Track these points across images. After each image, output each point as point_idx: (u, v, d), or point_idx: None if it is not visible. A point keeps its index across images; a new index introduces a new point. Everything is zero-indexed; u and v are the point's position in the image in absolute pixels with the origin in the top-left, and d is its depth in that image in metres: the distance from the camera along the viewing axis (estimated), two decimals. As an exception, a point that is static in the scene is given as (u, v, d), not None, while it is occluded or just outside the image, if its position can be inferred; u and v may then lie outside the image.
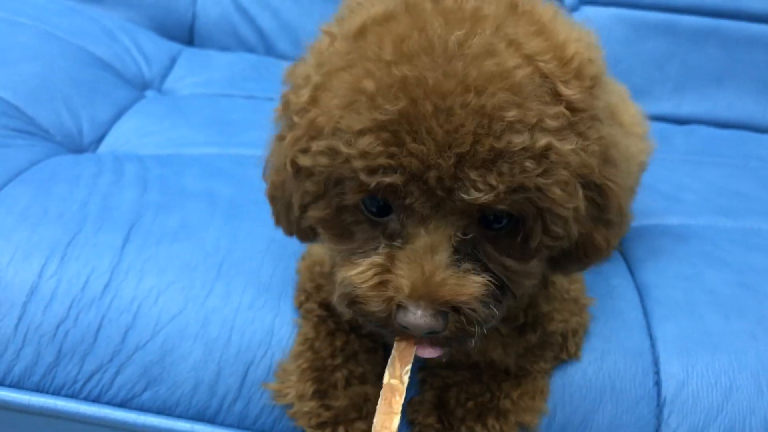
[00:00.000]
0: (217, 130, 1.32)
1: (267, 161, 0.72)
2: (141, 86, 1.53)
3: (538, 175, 0.57)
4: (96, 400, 0.88)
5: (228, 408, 0.88)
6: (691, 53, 1.68)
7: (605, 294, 0.99)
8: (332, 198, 0.63)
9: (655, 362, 0.91)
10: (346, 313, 0.66)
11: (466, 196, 0.57)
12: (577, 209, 0.61)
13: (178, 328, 0.89)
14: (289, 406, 0.84)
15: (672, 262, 1.08)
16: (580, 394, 0.88)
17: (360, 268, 0.62)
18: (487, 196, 0.56)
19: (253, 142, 1.27)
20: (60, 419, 0.88)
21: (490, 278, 0.61)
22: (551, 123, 0.57)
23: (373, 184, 0.58)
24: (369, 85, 0.57)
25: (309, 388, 0.82)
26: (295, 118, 0.63)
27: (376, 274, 0.61)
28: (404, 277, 0.59)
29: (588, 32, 0.67)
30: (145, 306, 0.90)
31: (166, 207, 1.01)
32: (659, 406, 0.88)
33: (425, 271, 0.59)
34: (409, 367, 0.64)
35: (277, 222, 0.75)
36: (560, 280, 0.85)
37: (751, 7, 1.65)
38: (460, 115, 0.55)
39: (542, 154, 0.57)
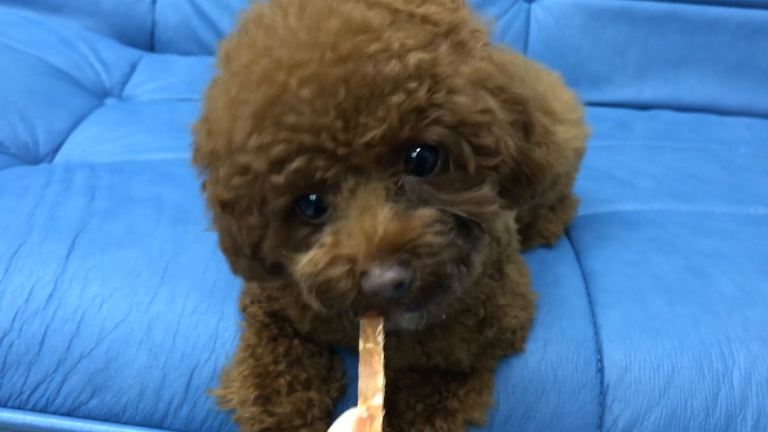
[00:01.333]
0: (173, 134, 1.32)
1: (208, 213, 0.72)
2: (100, 94, 1.53)
3: (429, 92, 0.57)
4: (43, 410, 0.89)
5: (174, 412, 0.89)
6: (651, 39, 1.68)
7: (551, 283, 0.99)
8: (273, 219, 0.62)
9: (598, 350, 0.91)
10: (323, 309, 0.64)
11: (363, 139, 0.56)
12: (491, 112, 0.60)
13: (122, 335, 0.90)
14: (233, 411, 0.84)
15: (620, 249, 1.08)
16: (522, 385, 0.89)
17: (309, 256, 0.61)
18: (381, 129, 0.56)
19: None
20: (7, 431, 0.89)
21: (438, 212, 0.59)
22: (414, 41, 0.57)
23: (283, 180, 0.57)
24: (238, 91, 0.58)
25: (251, 394, 0.82)
26: (203, 162, 0.65)
27: (325, 254, 0.59)
28: (352, 245, 0.58)
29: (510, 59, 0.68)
30: (89, 314, 0.90)
31: (112, 214, 1.02)
32: (602, 393, 0.89)
33: (368, 230, 0.57)
34: (380, 327, 0.62)
35: (235, 271, 0.74)
36: (513, 273, 0.85)
37: (709, -11, 1.66)
38: (324, 74, 0.55)
39: (421, 72, 0.57)
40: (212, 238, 0.98)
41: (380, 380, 0.61)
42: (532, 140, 0.66)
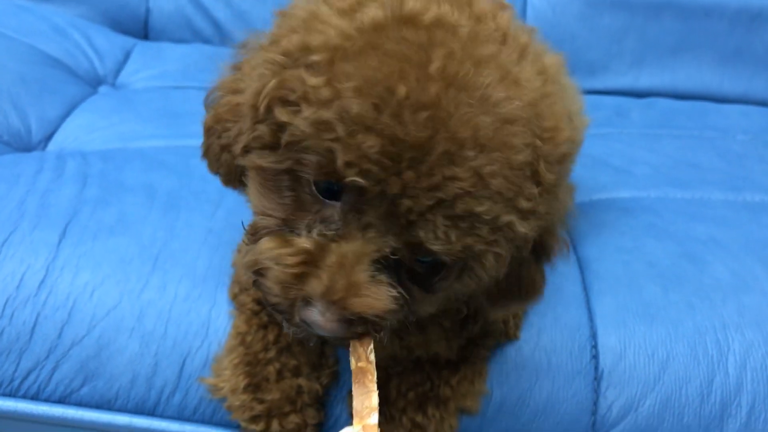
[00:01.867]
0: (166, 122, 1.31)
1: (215, 91, 0.71)
2: (94, 82, 1.52)
3: (488, 243, 0.57)
4: (34, 397, 0.88)
5: (166, 400, 0.88)
6: (648, 26, 1.67)
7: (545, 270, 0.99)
8: (286, 157, 0.58)
9: (593, 336, 0.91)
10: (247, 279, 0.64)
11: (422, 235, 0.55)
12: (497, 270, 0.61)
13: (114, 322, 0.89)
14: (225, 399, 0.84)
15: (614, 236, 1.08)
16: (516, 373, 0.88)
17: (289, 249, 0.59)
18: (440, 247, 0.56)
19: (200, 133, 1.27)
20: (-1, 418, 0.89)
21: (401, 293, 0.60)
22: (524, 203, 0.56)
23: (347, 178, 0.54)
24: (401, 90, 0.53)
25: (241, 382, 0.82)
26: (272, 49, 0.60)
27: (301, 263, 0.58)
28: (325, 278, 0.57)
29: (579, 97, 0.66)
30: (81, 301, 0.90)
31: (103, 202, 1.01)
32: (596, 379, 0.89)
33: (348, 279, 0.57)
34: (371, 346, 0.63)
35: (204, 155, 0.72)
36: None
37: (706, -23, 1.65)
38: (457, 167, 0.53)
39: (500, 228, 0.56)
40: (203, 226, 0.99)
41: (375, 399, 0.62)
42: (541, 263, 0.68)
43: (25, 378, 0.88)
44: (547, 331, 0.91)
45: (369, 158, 0.53)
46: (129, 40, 1.68)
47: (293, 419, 0.81)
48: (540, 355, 0.89)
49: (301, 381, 0.83)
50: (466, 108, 0.53)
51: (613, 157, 1.35)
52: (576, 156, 0.64)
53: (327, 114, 0.54)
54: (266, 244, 0.60)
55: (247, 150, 0.62)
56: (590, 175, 1.27)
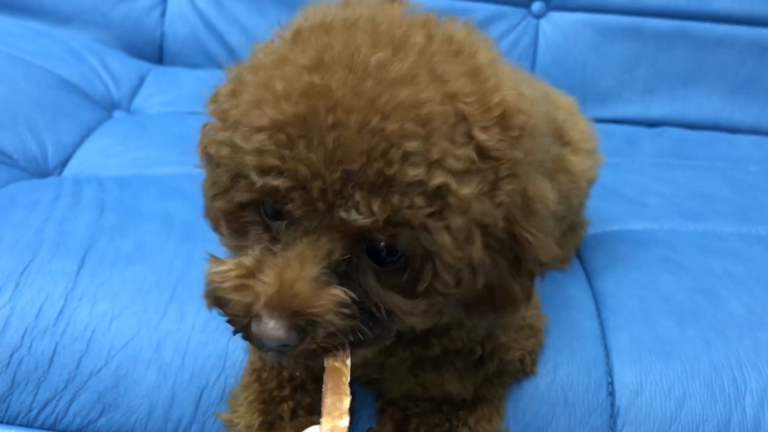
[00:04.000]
0: (181, 148, 1.32)
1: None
2: (109, 106, 1.53)
3: (427, 215, 0.55)
4: (51, 428, 0.89)
5: (183, 432, 0.89)
6: (659, 55, 1.68)
7: (561, 304, 0.99)
8: (234, 193, 0.61)
9: (609, 372, 0.91)
10: (211, 309, 0.64)
11: (344, 215, 0.55)
12: (471, 259, 0.59)
13: (131, 353, 0.89)
14: None
15: (630, 269, 1.08)
16: (532, 409, 0.88)
17: (224, 267, 0.61)
18: (365, 220, 0.55)
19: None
20: (15, 448, 0.89)
21: (355, 297, 0.59)
22: (454, 163, 0.55)
23: (259, 184, 0.57)
24: (278, 85, 0.57)
25: (256, 420, 0.81)
26: (211, 107, 0.65)
27: (237, 276, 0.60)
28: (264, 284, 0.58)
29: (530, 85, 0.66)
30: (99, 332, 0.90)
31: (121, 230, 1.02)
32: (613, 416, 0.89)
33: (285, 281, 0.57)
34: (348, 351, 0.62)
35: (206, 215, 0.74)
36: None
37: (717, 8, 1.66)
38: (357, 133, 0.54)
39: (436, 193, 0.55)
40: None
41: (346, 402, 0.61)
42: (519, 274, 0.64)
43: (43, 408, 0.88)
44: (564, 367, 0.91)
45: (266, 154, 0.56)
46: (144, 65, 1.69)
47: None
48: (556, 391, 0.89)
49: (315, 419, 0.82)
50: (345, 80, 0.55)
51: (626, 188, 1.36)
52: (540, 133, 0.63)
53: (233, 134, 0.58)
54: (210, 266, 0.63)
55: (213, 198, 0.65)
56: (603, 205, 1.28)
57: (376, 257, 0.59)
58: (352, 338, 0.60)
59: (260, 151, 0.56)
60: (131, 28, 1.72)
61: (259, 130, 0.56)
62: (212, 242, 1.00)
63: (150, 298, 0.93)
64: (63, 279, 0.94)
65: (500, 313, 0.68)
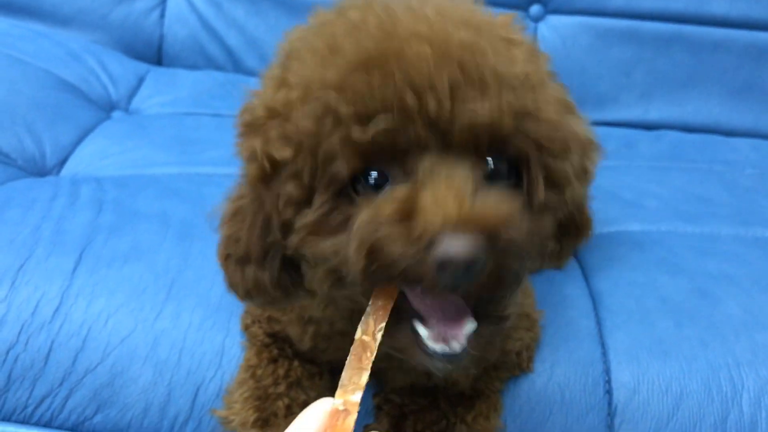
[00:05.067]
0: (180, 149, 1.32)
1: (222, 213, 0.68)
2: (107, 107, 1.53)
3: (531, 103, 0.55)
4: (47, 424, 0.88)
5: (180, 429, 0.88)
6: (657, 59, 1.69)
7: (558, 303, 0.99)
8: (323, 189, 0.56)
9: (606, 371, 0.91)
10: (360, 273, 0.54)
11: (468, 119, 0.52)
12: (574, 141, 0.59)
13: (127, 351, 0.89)
14: None
15: (627, 270, 1.08)
16: (529, 407, 0.88)
17: (373, 206, 0.54)
18: (491, 116, 0.53)
19: (213, 160, 1.28)
20: (11, 445, 0.89)
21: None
22: (523, 57, 0.57)
23: (368, 136, 0.52)
24: (343, 37, 0.55)
25: (251, 416, 0.81)
26: (246, 118, 0.61)
27: (397, 203, 0.52)
28: (433, 203, 0.51)
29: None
30: (95, 329, 0.90)
31: (118, 229, 1.02)
32: (610, 415, 0.88)
33: (457, 194, 0.51)
34: (383, 324, 0.58)
35: (232, 283, 0.69)
36: (518, 295, 0.84)
37: (715, 11, 1.66)
38: (447, 35, 0.53)
39: (530, 82, 0.56)
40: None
41: (364, 378, 0.57)
42: (586, 190, 0.65)
43: (39, 405, 0.88)
44: (561, 366, 0.90)
45: (365, 94, 0.52)
46: (142, 66, 1.70)
47: None
48: (553, 389, 0.89)
49: None
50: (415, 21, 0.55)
51: (623, 190, 1.36)
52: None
53: (311, 105, 0.54)
54: (359, 220, 0.54)
55: (286, 227, 0.59)
56: (600, 207, 1.27)
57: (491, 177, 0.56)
58: (528, 260, 0.56)
59: (357, 94, 0.52)
60: (130, 29, 1.72)
61: (348, 73, 0.53)
62: (209, 242, 1.01)
63: (146, 296, 0.93)
64: (59, 276, 0.93)
65: (576, 240, 0.68)
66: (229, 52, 1.73)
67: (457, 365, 0.57)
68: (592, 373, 0.91)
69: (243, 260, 0.66)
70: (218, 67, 1.74)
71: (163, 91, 1.60)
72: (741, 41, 1.67)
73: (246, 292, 0.68)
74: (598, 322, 0.97)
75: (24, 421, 0.88)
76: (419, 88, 0.52)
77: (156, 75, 1.67)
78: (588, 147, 0.65)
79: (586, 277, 1.07)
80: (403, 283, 0.55)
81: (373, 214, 0.53)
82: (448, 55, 0.53)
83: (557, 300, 1.00)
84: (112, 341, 0.90)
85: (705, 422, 0.87)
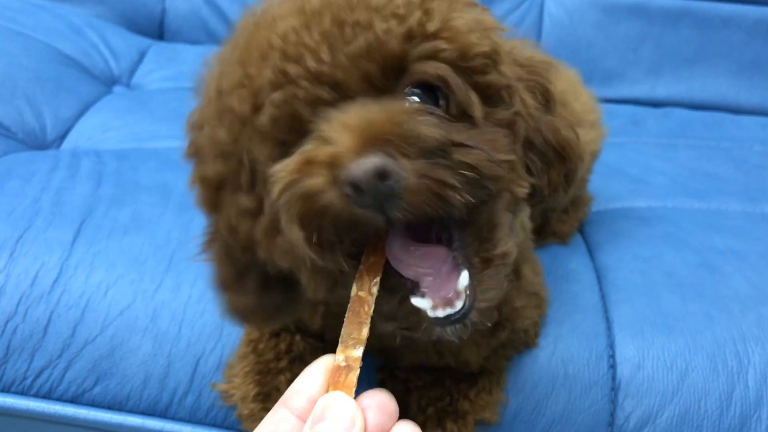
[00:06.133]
0: (181, 123, 1.30)
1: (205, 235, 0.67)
2: (109, 81, 1.52)
3: (419, 22, 0.53)
4: (46, 396, 0.88)
5: (179, 402, 0.88)
6: (665, 35, 1.67)
7: (562, 278, 0.98)
8: (266, 192, 0.54)
9: (611, 346, 0.90)
10: (307, 247, 0.52)
11: (347, 51, 0.52)
12: (497, 53, 0.56)
13: (127, 322, 0.88)
14: (236, 406, 0.83)
15: (632, 245, 1.07)
16: (532, 381, 0.87)
17: (284, 163, 0.53)
18: (367, 40, 0.52)
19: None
20: (10, 416, 0.88)
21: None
22: None
23: (267, 118, 0.53)
24: (229, 60, 0.57)
25: (251, 391, 0.80)
26: (192, 147, 0.63)
27: (301, 157, 0.51)
28: (333, 144, 0.50)
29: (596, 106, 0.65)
30: (94, 300, 0.89)
31: (118, 201, 1.01)
32: (614, 390, 0.87)
33: (349, 121, 0.50)
34: (377, 279, 0.57)
35: (235, 311, 0.68)
36: (528, 273, 0.82)
37: (723, -14, 1.64)
38: (309, 4, 0.54)
39: (412, 4, 0.54)
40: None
41: (365, 332, 0.56)
42: (554, 112, 0.62)
43: (38, 376, 0.87)
44: (564, 340, 0.89)
45: (269, 76, 0.53)
46: (144, 41, 1.68)
47: None
48: (557, 363, 0.88)
49: None
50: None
51: (630, 167, 1.34)
52: None
53: (223, 104, 0.56)
54: (275, 192, 0.53)
55: (250, 244, 0.59)
56: (607, 184, 1.26)
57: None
58: (458, 175, 0.51)
59: (250, 83, 0.54)
60: (132, 4, 1.71)
61: (235, 77, 0.55)
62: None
63: (146, 268, 0.92)
64: (59, 248, 0.93)
65: (567, 167, 0.65)
66: (231, 26, 1.71)
67: (467, 324, 0.55)
68: (596, 347, 0.89)
69: (223, 287, 0.66)
70: (220, 42, 1.72)
71: (164, 66, 1.58)
72: (750, 17, 1.65)
73: (238, 316, 0.69)
74: (603, 297, 0.96)
75: (23, 393, 0.88)
76: (295, 56, 0.52)
77: (158, 50, 1.66)
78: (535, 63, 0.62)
79: (591, 252, 1.06)
80: (348, 231, 0.52)
81: (284, 172, 0.52)
82: (317, 13, 0.53)
83: (561, 275, 0.98)
84: (111, 313, 0.89)
85: (710, 397, 0.86)
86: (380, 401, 0.54)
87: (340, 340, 0.56)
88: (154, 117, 1.33)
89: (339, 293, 0.59)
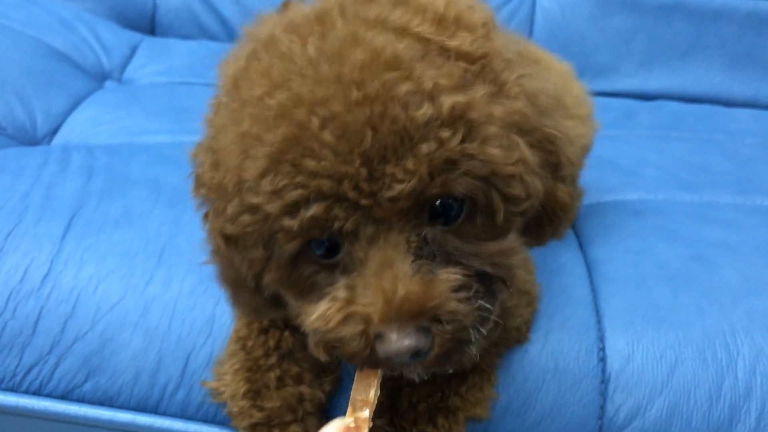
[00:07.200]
0: (172, 117, 1.31)
1: (208, 245, 0.69)
2: (100, 76, 1.51)
3: (462, 142, 0.53)
4: (36, 392, 0.88)
5: (170, 397, 0.87)
6: (658, 28, 1.67)
7: (553, 271, 0.98)
8: (279, 256, 0.59)
9: (601, 338, 0.90)
10: (329, 359, 0.60)
11: (390, 193, 0.52)
12: (524, 161, 0.57)
13: (117, 317, 0.88)
14: (226, 404, 0.83)
15: (623, 238, 1.06)
16: (522, 375, 0.87)
17: (320, 310, 0.58)
18: (411, 184, 0.52)
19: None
20: (0, 413, 0.88)
21: (463, 271, 0.56)
22: (448, 81, 0.53)
23: (297, 225, 0.54)
24: (251, 126, 0.54)
25: (241, 388, 0.80)
26: (201, 192, 0.63)
27: (338, 310, 0.56)
28: (369, 304, 0.54)
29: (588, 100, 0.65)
30: (85, 295, 0.89)
31: (109, 195, 1.00)
32: (604, 382, 0.87)
33: (387, 290, 0.54)
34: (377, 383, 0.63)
35: (237, 304, 0.73)
36: (520, 272, 0.82)
37: (716, -21, 1.64)
38: (349, 115, 0.52)
39: (454, 118, 0.53)
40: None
41: (372, 394, 0.61)
42: (558, 178, 0.64)
43: (28, 373, 0.87)
44: (554, 333, 0.89)
45: (283, 191, 0.53)
46: (136, 36, 1.68)
47: (294, 429, 0.78)
48: (547, 357, 0.88)
49: (303, 389, 0.80)
50: (303, 79, 0.54)
51: (622, 159, 1.34)
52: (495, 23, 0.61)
53: (242, 197, 0.56)
54: (306, 322, 0.60)
55: (257, 278, 0.62)
56: (598, 176, 1.26)
57: (445, 218, 0.57)
58: (479, 322, 0.58)
59: (276, 193, 0.53)
60: (123, -2, 1.70)
61: (262, 175, 0.54)
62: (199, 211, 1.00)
63: (137, 262, 0.92)
64: (49, 243, 0.92)
65: (557, 225, 0.67)
66: (223, 21, 1.71)
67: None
68: (586, 340, 0.89)
69: (238, 285, 0.69)
70: (212, 37, 1.72)
71: (156, 61, 1.58)
72: (742, 10, 1.64)
73: (248, 311, 0.75)
74: (593, 290, 0.96)
75: (13, 389, 0.88)
76: (333, 176, 0.52)
77: (149, 44, 1.65)
78: (557, 141, 0.62)
79: (582, 246, 1.06)
80: (365, 365, 0.61)
81: (315, 319, 0.58)
82: (356, 132, 0.52)
83: (552, 268, 0.98)
84: (101, 308, 0.89)
85: (699, 389, 0.87)
86: None
87: (349, 402, 0.61)
88: (145, 111, 1.33)
89: None
